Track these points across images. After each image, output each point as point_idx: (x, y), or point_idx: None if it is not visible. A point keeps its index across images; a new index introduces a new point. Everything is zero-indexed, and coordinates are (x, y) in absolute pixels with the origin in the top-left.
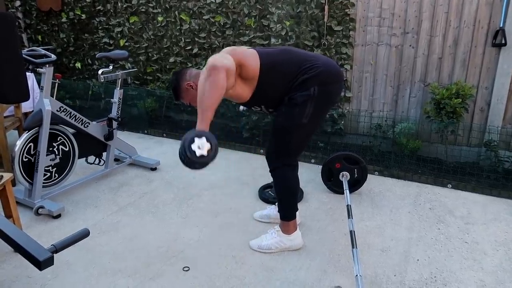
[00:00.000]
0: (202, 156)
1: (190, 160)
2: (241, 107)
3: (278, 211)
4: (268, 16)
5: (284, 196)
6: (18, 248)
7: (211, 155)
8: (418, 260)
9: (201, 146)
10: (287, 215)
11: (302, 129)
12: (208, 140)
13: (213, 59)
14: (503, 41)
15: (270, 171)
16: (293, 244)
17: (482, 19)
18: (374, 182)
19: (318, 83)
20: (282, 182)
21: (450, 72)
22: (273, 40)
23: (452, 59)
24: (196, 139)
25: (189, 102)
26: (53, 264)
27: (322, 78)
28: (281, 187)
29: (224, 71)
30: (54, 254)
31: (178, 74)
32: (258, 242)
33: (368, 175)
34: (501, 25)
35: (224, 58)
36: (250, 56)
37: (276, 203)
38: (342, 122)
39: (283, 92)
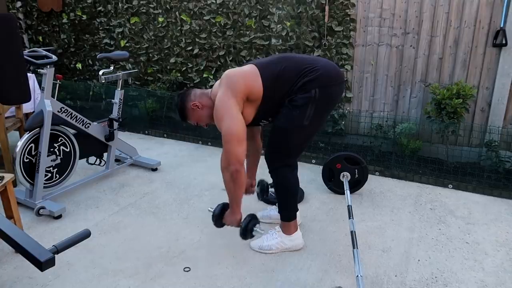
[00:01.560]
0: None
1: (244, 234)
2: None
3: (279, 212)
4: (268, 17)
5: (284, 197)
6: (19, 249)
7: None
8: (419, 260)
9: (260, 231)
10: (288, 216)
11: (303, 131)
12: (259, 223)
13: (230, 147)
14: (503, 41)
15: (269, 171)
16: (294, 244)
17: (482, 19)
18: (375, 182)
19: (319, 86)
20: (282, 182)
21: (451, 72)
22: (273, 41)
23: (453, 60)
24: (257, 228)
25: (197, 122)
26: (54, 264)
27: (323, 81)
28: (281, 187)
29: (242, 167)
30: (55, 255)
31: (182, 95)
32: (259, 243)
33: (369, 175)
34: (501, 25)
35: (237, 132)
36: (252, 78)
37: (277, 204)
38: (343, 122)
39: (284, 97)
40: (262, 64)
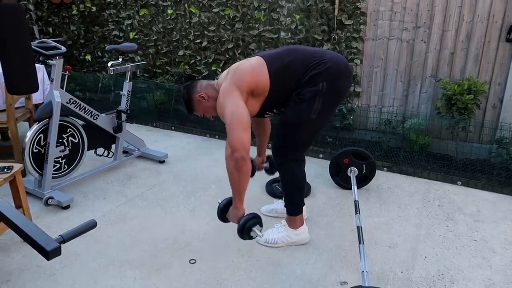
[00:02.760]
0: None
1: (242, 235)
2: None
3: (285, 206)
4: (277, 10)
5: (290, 191)
6: (26, 238)
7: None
8: (425, 257)
9: (258, 233)
10: (294, 210)
11: (310, 124)
12: (260, 225)
13: (235, 133)
14: None
15: (276, 165)
16: (300, 238)
17: (496, 14)
18: (382, 178)
19: (327, 79)
20: (289, 177)
21: (462, 67)
22: (282, 34)
23: (465, 54)
24: (256, 229)
25: (203, 113)
26: (60, 254)
27: (331, 73)
28: (287, 182)
29: (247, 154)
30: (62, 245)
31: (188, 87)
32: (265, 236)
33: (377, 171)
34: None
35: (241, 119)
36: (258, 71)
37: (283, 198)
38: (351, 117)
39: (291, 90)
40: (269, 57)
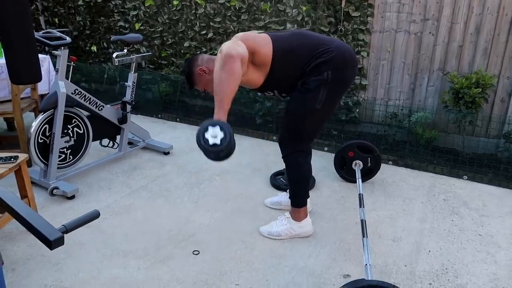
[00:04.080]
0: (215, 144)
1: (205, 149)
2: None
3: (289, 198)
4: (284, 1)
5: (295, 183)
6: (29, 228)
7: (225, 144)
8: (429, 251)
9: (213, 135)
10: (298, 202)
11: (315, 114)
12: (222, 129)
13: (227, 46)
14: None
15: (282, 157)
16: (303, 231)
17: (506, 6)
18: (387, 171)
19: (332, 68)
20: (294, 168)
21: (471, 60)
22: (288, 26)
23: (473, 47)
24: (210, 128)
25: (204, 87)
26: (63, 244)
27: (336, 63)
28: (293, 173)
29: (239, 60)
30: (65, 234)
31: (190, 60)
32: (268, 229)
33: (382, 164)
34: None
35: (237, 45)
36: (263, 42)
37: (288, 190)
38: (357, 110)
39: (296, 76)
40: (276, 36)
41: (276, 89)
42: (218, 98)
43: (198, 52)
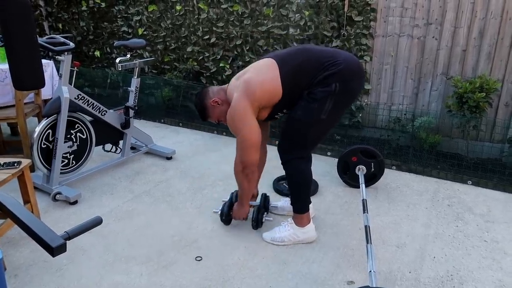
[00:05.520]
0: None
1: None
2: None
3: (291, 204)
4: (286, 6)
5: (297, 189)
6: (31, 234)
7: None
8: (434, 257)
9: (269, 218)
10: (301, 208)
11: (320, 124)
12: (267, 212)
13: (248, 155)
14: None
15: (282, 163)
16: (307, 237)
17: (510, 10)
18: (391, 176)
19: (340, 80)
20: (295, 174)
21: (474, 65)
22: (291, 30)
23: (477, 52)
24: (265, 217)
25: (217, 119)
26: (65, 250)
27: (344, 74)
28: (294, 180)
29: (256, 167)
30: (67, 241)
31: (200, 94)
32: (271, 235)
33: (385, 169)
34: None
35: (254, 140)
36: (270, 85)
37: (290, 196)
38: (360, 115)
39: (303, 89)
40: (281, 57)
41: (286, 108)
42: (246, 195)
43: (201, 57)
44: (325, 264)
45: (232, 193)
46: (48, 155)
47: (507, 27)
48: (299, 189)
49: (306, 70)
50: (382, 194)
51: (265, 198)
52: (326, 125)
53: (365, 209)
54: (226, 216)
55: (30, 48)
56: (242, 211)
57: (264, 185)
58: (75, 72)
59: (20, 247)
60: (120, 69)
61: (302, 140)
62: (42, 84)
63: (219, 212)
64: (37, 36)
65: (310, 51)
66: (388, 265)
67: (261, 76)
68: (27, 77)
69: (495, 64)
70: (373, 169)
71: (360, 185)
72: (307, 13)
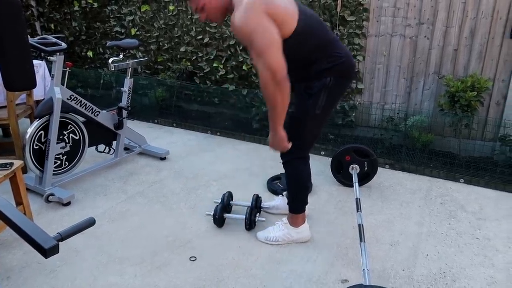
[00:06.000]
0: None
1: None
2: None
3: (288, 203)
4: None
5: (295, 189)
6: (23, 236)
7: None
8: (427, 255)
9: (261, 219)
10: (297, 208)
11: (315, 120)
12: None
13: (272, 55)
14: None
15: (283, 163)
16: (301, 236)
17: (500, 10)
18: (384, 175)
19: (337, 74)
20: (295, 175)
21: (466, 64)
22: None
23: (468, 51)
24: (258, 218)
25: (201, 6)
26: (58, 252)
27: (342, 70)
28: (293, 180)
29: (286, 73)
30: (60, 242)
31: None
32: (265, 234)
33: (379, 168)
34: None
35: (274, 38)
36: (290, 12)
37: (284, 193)
38: (353, 114)
39: (302, 62)
40: (303, 11)
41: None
42: (280, 115)
43: (194, 58)
44: (319, 263)
45: (224, 194)
46: (40, 156)
47: (497, 26)
48: (297, 190)
49: (316, 41)
50: (376, 192)
51: (257, 198)
52: (321, 121)
53: (358, 208)
54: (219, 218)
55: (20, 48)
56: (279, 139)
57: (259, 185)
58: (67, 72)
59: (13, 249)
60: (113, 69)
61: (300, 138)
62: (33, 85)
63: (212, 214)
64: (28, 36)
65: (323, 26)
66: (382, 263)
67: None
68: (17, 78)
69: (486, 63)
70: (366, 168)
71: (354, 184)
72: None
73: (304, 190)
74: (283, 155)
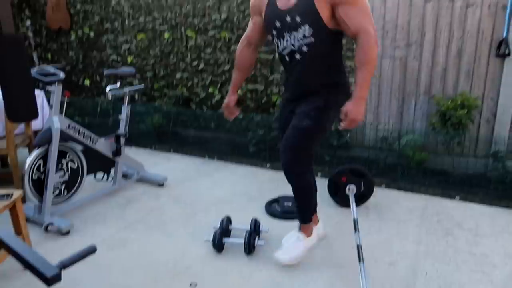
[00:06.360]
0: None
1: None
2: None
3: (298, 216)
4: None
5: (304, 200)
6: (26, 265)
7: None
8: (426, 273)
9: (261, 243)
10: (307, 217)
11: (323, 133)
12: None
13: (370, 20)
14: (506, 51)
15: (291, 177)
16: (314, 242)
17: (485, 30)
18: (381, 195)
19: (344, 92)
20: (306, 187)
21: (455, 83)
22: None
23: (456, 70)
24: (257, 242)
25: None
26: (60, 280)
27: (349, 88)
28: (302, 192)
29: None
30: (62, 271)
31: None
32: (288, 255)
33: (375, 188)
34: (504, 35)
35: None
36: None
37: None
38: (348, 135)
39: (336, 67)
40: None
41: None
42: (369, 79)
43: (190, 84)
44: (319, 285)
45: (223, 219)
46: (39, 186)
47: (483, 45)
48: (306, 201)
49: (342, 49)
50: (373, 212)
51: (255, 222)
52: (323, 136)
53: (356, 228)
54: (219, 243)
55: (24, 81)
56: (362, 109)
57: (257, 209)
58: (65, 102)
59: (13, 280)
60: (110, 97)
61: (310, 150)
62: (36, 115)
63: (211, 240)
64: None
65: None
66: (381, 283)
67: None
68: (21, 109)
69: (474, 81)
70: (362, 188)
71: (351, 205)
72: None
73: (312, 199)
74: (296, 168)
